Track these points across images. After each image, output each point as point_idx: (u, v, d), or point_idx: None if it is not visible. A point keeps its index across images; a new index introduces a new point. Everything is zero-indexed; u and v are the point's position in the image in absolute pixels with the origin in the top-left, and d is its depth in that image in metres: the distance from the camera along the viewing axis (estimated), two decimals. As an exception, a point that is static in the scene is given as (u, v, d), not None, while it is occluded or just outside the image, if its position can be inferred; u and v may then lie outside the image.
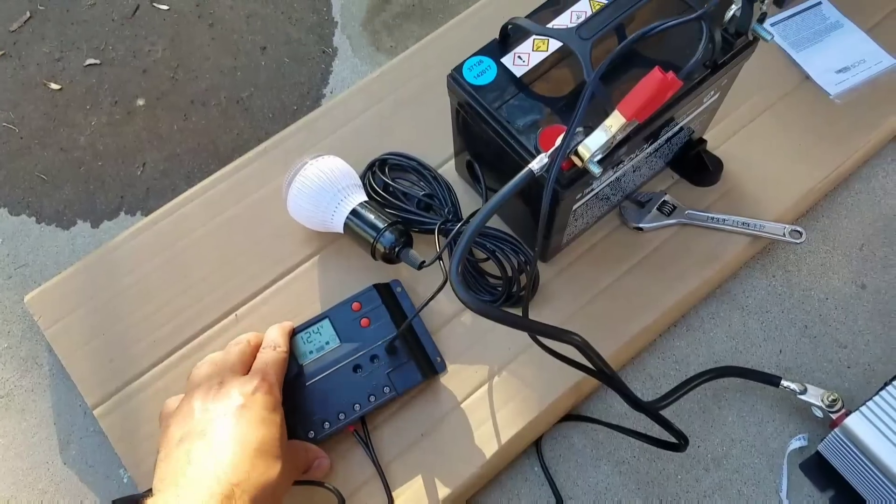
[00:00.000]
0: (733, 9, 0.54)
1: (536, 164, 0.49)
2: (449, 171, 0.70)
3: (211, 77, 0.81)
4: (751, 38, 0.55)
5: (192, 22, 0.84)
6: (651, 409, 0.54)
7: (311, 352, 0.60)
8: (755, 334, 0.67)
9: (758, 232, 0.66)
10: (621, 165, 0.58)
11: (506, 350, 0.62)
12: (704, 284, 0.66)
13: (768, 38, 0.54)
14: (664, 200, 0.68)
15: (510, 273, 0.62)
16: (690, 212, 0.67)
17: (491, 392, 0.62)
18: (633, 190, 0.68)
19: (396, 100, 0.74)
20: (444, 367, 0.62)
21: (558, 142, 0.49)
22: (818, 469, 0.60)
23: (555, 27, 0.56)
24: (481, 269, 0.64)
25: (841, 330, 0.66)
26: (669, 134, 0.60)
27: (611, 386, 0.53)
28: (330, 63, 0.80)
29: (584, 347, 0.49)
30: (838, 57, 0.74)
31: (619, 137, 0.49)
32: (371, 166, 0.68)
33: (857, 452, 0.54)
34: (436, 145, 0.70)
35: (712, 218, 0.67)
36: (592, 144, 0.49)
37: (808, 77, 0.74)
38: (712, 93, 0.60)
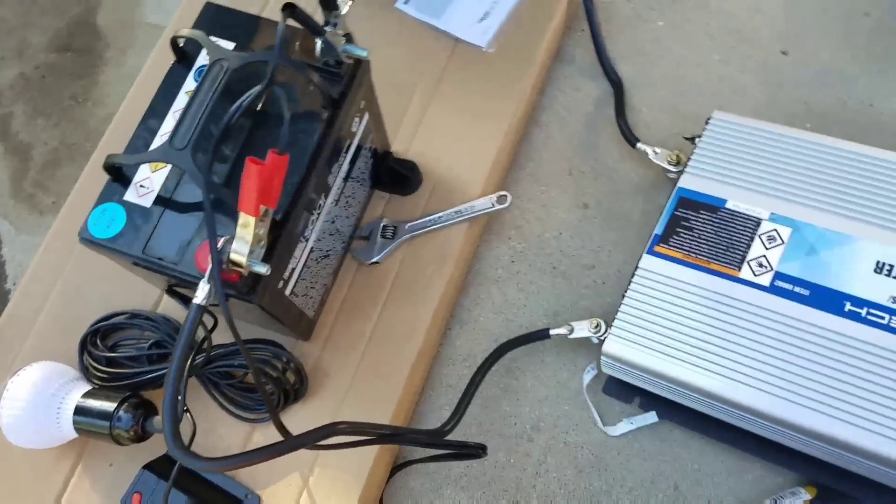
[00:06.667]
0: (318, 44, 0.54)
1: (201, 297, 0.47)
2: (170, 302, 0.66)
3: None
4: (350, 60, 0.55)
5: None
6: (440, 441, 0.55)
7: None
8: (517, 298, 0.69)
9: (472, 214, 0.67)
10: (311, 231, 0.57)
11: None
12: (452, 282, 0.67)
13: (364, 53, 0.54)
14: (384, 226, 0.68)
15: (276, 374, 0.60)
16: (410, 225, 0.68)
17: (311, 495, 0.60)
18: (352, 229, 0.67)
19: (80, 257, 0.68)
20: (256, 500, 0.60)
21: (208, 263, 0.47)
22: (617, 386, 0.64)
23: (161, 135, 0.54)
24: (249, 385, 0.62)
25: (583, 254, 0.70)
26: (343, 173, 0.60)
27: (398, 443, 0.53)
28: (-1, 253, 0.73)
29: (353, 430, 0.49)
30: (474, 7, 0.76)
31: (263, 232, 0.48)
32: (83, 347, 0.63)
33: (627, 367, 0.58)
34: (143, 283, 0.65)
35: (429, 221, 0.68)
36: (240, 250, 0.47)
37: (457, 39, 0.75)
38: (356, 120, 0.60)
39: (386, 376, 0.63)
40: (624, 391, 0.64)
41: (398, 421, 0.63)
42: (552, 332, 0.64)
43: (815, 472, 0.57)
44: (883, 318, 0.51)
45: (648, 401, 0.63)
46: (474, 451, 0.55)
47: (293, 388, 0.60)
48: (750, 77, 0.74)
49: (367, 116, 0.61)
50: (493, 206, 0.68)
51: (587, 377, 0.65)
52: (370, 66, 0.58)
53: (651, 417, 0.62)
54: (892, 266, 0.53)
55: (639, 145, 0.70)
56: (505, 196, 0.68)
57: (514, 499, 0.62)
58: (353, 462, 0.59)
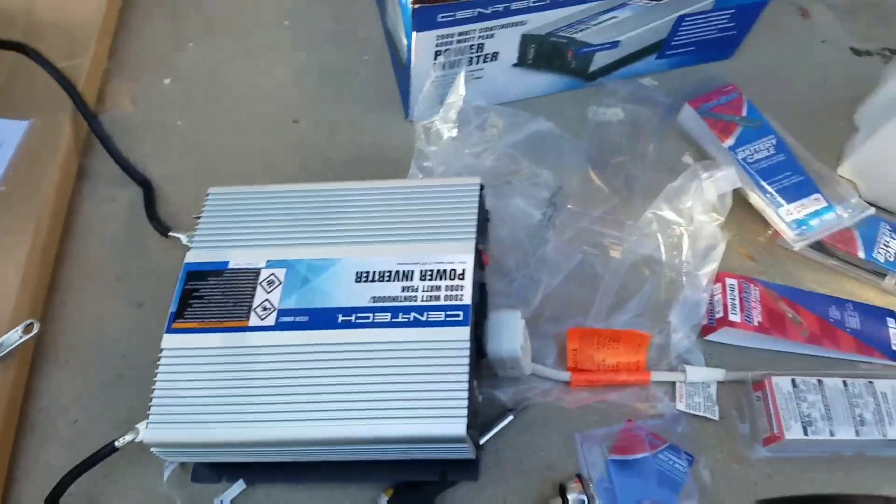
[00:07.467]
0: None
1: None
2: None
3: None
4: None
5: None
6: None
7: None
8: (85, 423, 0.65)
9: (1, 353, 0.63)
10: None
11: None
12: (-9, 433, 0.61)
13: None
14: None
15: None
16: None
17: None
18: None
19: None
20: None
21: None
22: (203, 470, 0.62)
23: None
24: None
25: (147, 352, 0.66)
26: None
27: None
28: None
29: None
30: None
31: None
32: None
33: (179, 449, 0.58)
34: None
35: (-53, 376, 0.62)
36: None
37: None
38: None
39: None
40: (209, 472, 0.63)
41: None
42: (118, 443, 0.60)
43: (388, 475, 0.61)
44: (368, 317, 0.58)
45: (235, 471, 0.63)
46: None
47: None
48: (274, 148, 0.82)
49: None
50: (21, 337, 0.64)
51: (167, 473, 0.63)
52: None
53: (239, 486, 0.62)
54: (367, 272, 0.60)
55: (171, 234, 0.72)
56: (32, 324, 0.64)
57: None
58: None
